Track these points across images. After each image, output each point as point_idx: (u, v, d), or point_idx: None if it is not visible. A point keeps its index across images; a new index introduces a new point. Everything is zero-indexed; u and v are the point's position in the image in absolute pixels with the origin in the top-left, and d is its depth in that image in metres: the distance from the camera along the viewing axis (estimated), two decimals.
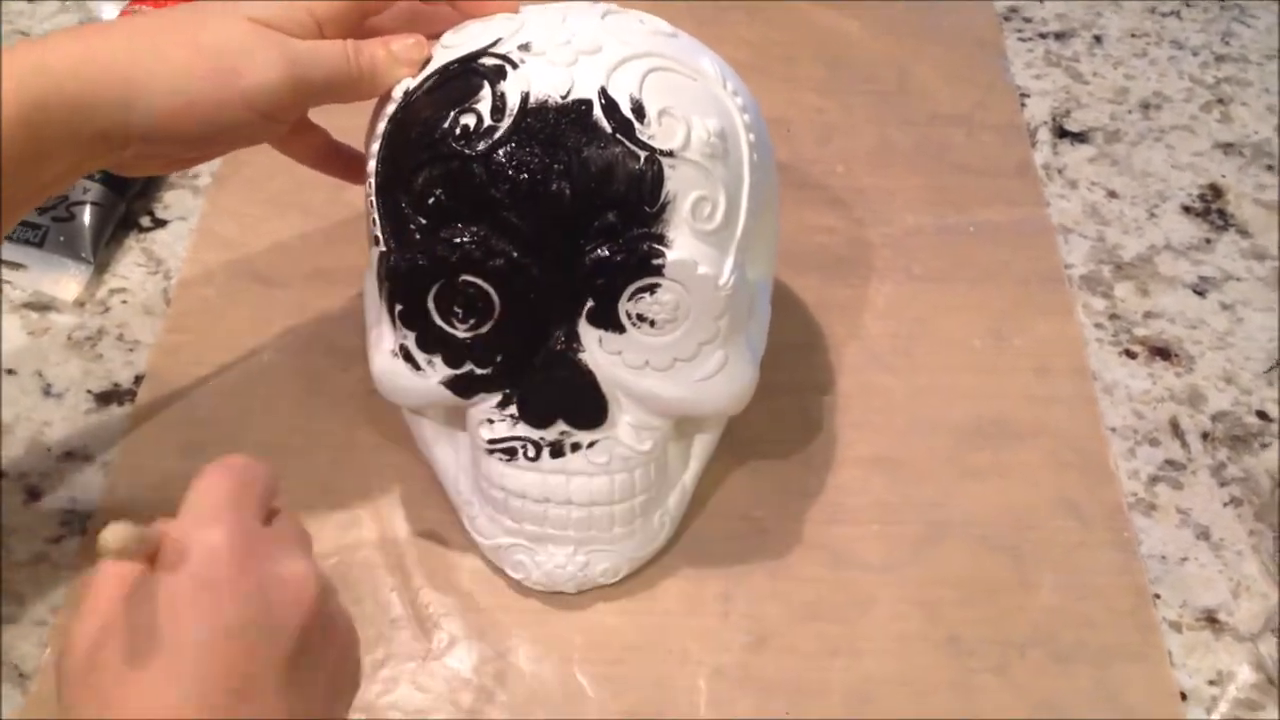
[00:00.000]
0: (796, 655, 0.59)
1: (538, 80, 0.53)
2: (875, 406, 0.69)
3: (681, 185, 0.52)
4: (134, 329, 0.71)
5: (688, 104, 0.54)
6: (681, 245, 0.53)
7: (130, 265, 0.74)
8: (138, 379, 0.69)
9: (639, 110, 0.52)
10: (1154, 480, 0.66)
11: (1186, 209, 0.80)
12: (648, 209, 0.52)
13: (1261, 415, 0.68)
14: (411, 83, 0.55)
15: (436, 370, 0.56)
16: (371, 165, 0.56)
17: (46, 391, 0.68)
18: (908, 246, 0.78)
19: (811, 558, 0.64)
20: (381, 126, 0.56)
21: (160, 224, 0.77)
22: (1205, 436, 0.68)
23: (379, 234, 0.55)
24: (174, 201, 0.78)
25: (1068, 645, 0.59)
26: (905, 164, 0.83)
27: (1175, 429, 0.68)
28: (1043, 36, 0.92)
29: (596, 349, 0.55)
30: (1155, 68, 0.90)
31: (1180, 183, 0.82)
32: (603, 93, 0.52)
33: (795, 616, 0.61)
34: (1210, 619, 0.60)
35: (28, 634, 0.59)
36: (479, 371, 0.56)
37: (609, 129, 0.52)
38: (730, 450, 0.65)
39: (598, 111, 0.52)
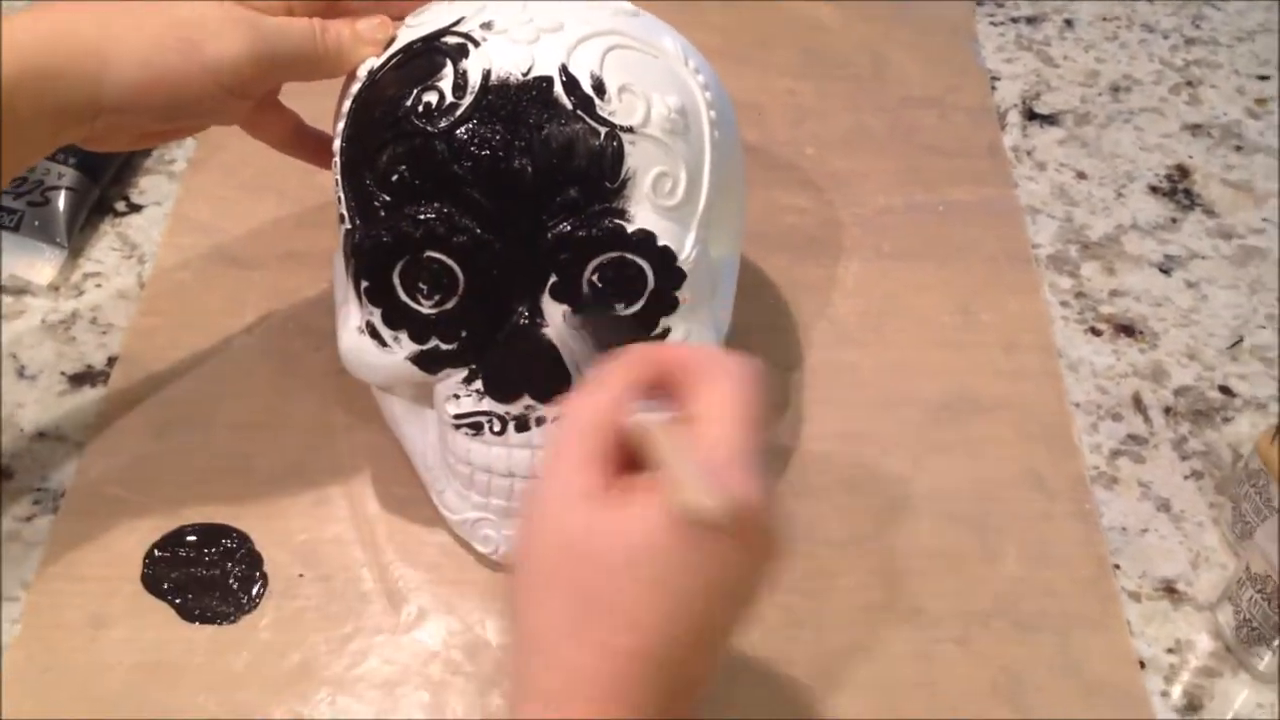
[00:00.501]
0: (761, 627, 0.60)
1: (499, 58, 0.53)
2: (843, 383, 0.70)
3: (642, 161, 0.53)
4: (108, 312, 0.72)
5: (648, 81, 0.54)
6: (642, 220, 0.53)
7: (105, 250, 0.75)
8: (111, 361, 0.69)
9: (599, 87, 0.53)
10: (1116, 454, 0.66)
11: (1154, 189, 0.81)
12: (608, 184, 0.53)
13: (1224, 390, 0.69)
14: (375, 62, 0.56)
15: (402, 346, 0.57)
16: (337, 144, 0.56)
17: (20, 374, 0.69)
18: (878, 226, 0.79)
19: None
20: (346, 105, 0.56)
21: (135, 209, 0.78)
22: (1168, 411, 0.68)
23: (344, 211, 0.56)
24: (149, 187, 0.79)
25: (1029, 614, 0.60)
26: (876, 146, 0.84)
27: (1138, 404, 0.69)
28: (1014, 20, 0.93)
29: (559, 323, 0.55)
30: (1126, 51, 0.91)
31: (1148, 164, 0.82)
32: (563, 70, 0.53)
33: None
34: (1169, 589, 0.61)
35: None
36: (444, 347, 0.56)
37: (570, 106, 0.52)
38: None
39: (558, 88, 0.53)
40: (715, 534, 0.39)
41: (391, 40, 0.57)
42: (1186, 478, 0.65)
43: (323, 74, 0.56)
